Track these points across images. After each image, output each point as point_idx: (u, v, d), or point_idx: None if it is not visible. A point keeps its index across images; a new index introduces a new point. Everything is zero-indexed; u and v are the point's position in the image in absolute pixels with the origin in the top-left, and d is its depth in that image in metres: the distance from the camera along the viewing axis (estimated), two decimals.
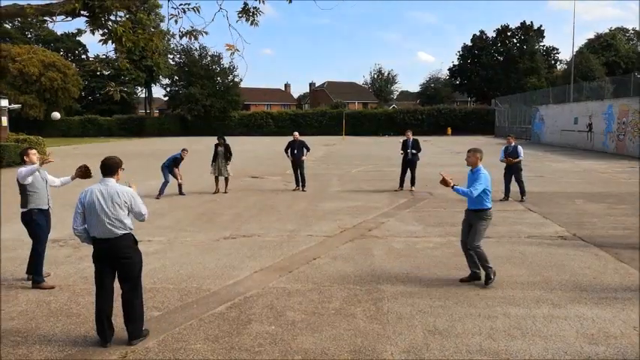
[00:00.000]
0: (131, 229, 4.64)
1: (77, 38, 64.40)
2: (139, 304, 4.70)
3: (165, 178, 13.21)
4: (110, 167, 4.64)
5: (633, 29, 65.82)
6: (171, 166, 13.39)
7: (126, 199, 4.54)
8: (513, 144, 12.16)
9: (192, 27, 5.44)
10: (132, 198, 4.58)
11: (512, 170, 11.97)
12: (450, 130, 51.76)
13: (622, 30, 64.83)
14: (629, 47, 61.37)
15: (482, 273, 6.13)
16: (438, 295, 5.78)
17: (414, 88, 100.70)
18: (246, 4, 5.55)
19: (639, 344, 4.47)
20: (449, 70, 69.84)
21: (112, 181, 4.62)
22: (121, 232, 4.54)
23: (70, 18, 5.06)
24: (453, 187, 5.95)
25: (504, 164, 12.19)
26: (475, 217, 6.08)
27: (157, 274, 6.61)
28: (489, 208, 6.07)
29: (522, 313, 5.23)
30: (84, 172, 6.07)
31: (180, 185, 13.64)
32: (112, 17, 5.16)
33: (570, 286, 6.01)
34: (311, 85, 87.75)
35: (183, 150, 13.76)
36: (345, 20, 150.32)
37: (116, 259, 4.56)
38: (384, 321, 5.06)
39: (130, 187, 4.68)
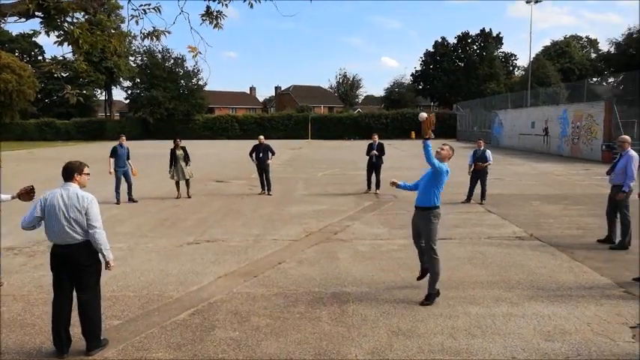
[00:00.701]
0: None
1: (33, 39, 62.16)
2: (98, 313, 4.56)
3: (116, 182, 12.62)
4: (67, 172, 4.51)
5: (587, 37, 68.87)
6: (121, 161, 12.59)
7: (84, 204, 4.40)
8: (482, 148, 12.52)
9: (154, 28, 5.34)
10: (90, 204, 4.44)
11: (480, 174, 12.32)
12: (413, 134, 52.52)
13: (576, 37, 67.63)
14: (582, 54, 64.05)
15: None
16: (402, 296, 5.86)
17: (379, 92, 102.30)
18: (208, 7, 5.50)
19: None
20: (412, 75, 71.11)
21: (72, 186, 4.48)
22: (81, 238, 4.40)
23: (23, 19, 4.88)
24: (397, 186, 5.95)
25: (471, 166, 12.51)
26: (422, 216, 5.69)
27: (117, 281, 6.43)
28: (438, 207, 5.66)
29: (482, 312, 5.36)
30: (26, 194, 5.67)
31: (130, 188, 12.86)
32: (69, 19, 5.00)
33: (528, 285, 6.21)
34: (277, 88, 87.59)
35: (120, 136, 13.04)
36: (310, 24, 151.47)
37: (75, 266, 4.41)
38: (349, 323, 5.10)
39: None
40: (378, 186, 14.02)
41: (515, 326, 4.99)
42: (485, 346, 4.57)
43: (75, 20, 5.08)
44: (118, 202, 12.42)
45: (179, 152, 13.41)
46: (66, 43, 4.97)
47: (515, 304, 5.59)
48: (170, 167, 13.48)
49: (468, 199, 12.33)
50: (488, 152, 12.50)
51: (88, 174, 4.65)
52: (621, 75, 39.97)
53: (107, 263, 4.55)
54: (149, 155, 30.66)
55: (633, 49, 53.94)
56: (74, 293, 4.53)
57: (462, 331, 4.89)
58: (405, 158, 26.83)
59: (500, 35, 66.69)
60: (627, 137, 8.38)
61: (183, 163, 13.38)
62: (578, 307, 5.46)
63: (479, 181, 12.31)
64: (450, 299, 5.73)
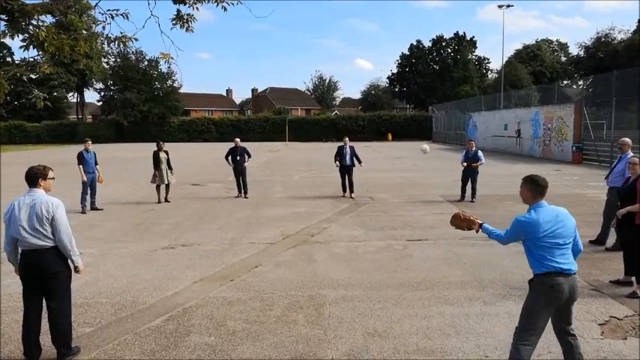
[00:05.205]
0: None
1: (1, 40, 60.44)
2: (68, 321, 4.46)
3: (83, 190, 11.87)
4: (31, 177, 4.40)
5: (557, 40, 70.74)
6: (89, 167, 11.90)
7: (49, 209, 4.30)
8: (474, 149, 13.04)
9: (122, 33, 5.25)
10: (56, 209, 4.33)
11: (471, 173, 12.79)
12: (390, 136, 53.08)
13: (547, 41, 69.35)
14: (553, 58, 65.72)
15: None
16: (378, 297, 5.89)
17: (356, 94, 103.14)
18: (179, 10, 5.44)
19: None
20: (388, 78, 71.95)
21: (37, 191, 4.38)
22: (45, 244, 4.29)
23: None
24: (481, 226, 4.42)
25: (462, 167, 12.99)
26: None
27: (89, 288, 6.30)
28: (536, 274, 4.04)
29: (456, 312, 5.44)
30: None
31: (94, 196, 12.02)
32: (34, 21, 4.87)
33: (500, 284, 6.32)
34: (253, 90, 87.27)
35: (86, 141, 12.36)
36: (284, 26, 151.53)
37: (44, 274, 4.30)
38: (325, 326, 5.11)
39: None
40: (351, 189, 13.91)
41: (488, 325, 5.08)
42: (459, 345, 4.64)
43: (40, 23, 4.95)
44: (83, 212, 11.66)
45: (162, 155, 13.16)
46: (31, 47, 4.85)
47: (488, 303, 5.69)
48: (155, 171, 13.08)
49: (462, 198, 12.79)
50: (480, 153, 13.12)
51: (53, 178, 4.54)
52: (590, 78, 41.11)
53: (76, 268, 4.46)
54: (123, 159, 30.15)
55: (602, 52, 55.56)
56: (44, 301, 4.42)
57: (437, 331, 4.95)
58: (382, 160, 27.04)
59: (474, 39, 68.06)
60: (628, 140, 8.13)
61: (165, 167, 13.16)
62: None
63: (470, 180, 12.79)
64: (425, 300, 5.80)
